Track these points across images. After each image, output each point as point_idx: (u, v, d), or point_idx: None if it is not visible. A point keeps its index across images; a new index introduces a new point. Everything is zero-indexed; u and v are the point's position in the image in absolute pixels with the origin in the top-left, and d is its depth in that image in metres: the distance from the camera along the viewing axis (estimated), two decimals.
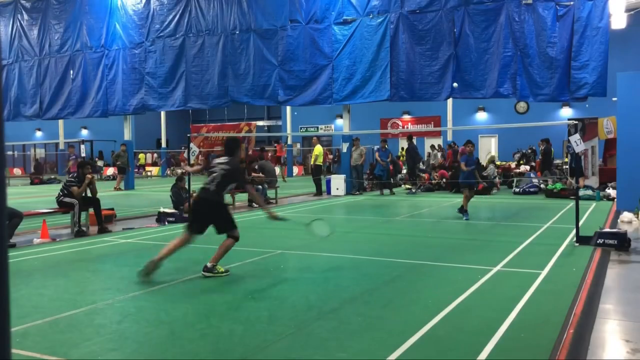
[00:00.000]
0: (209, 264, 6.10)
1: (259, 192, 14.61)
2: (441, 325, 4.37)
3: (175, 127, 40.15)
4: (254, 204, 14.43)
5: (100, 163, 33.43)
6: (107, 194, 18.95)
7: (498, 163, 21.88)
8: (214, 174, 6.20)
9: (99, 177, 29.78)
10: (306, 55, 18.08)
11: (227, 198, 14.94)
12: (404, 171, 19.30)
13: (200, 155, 33.00)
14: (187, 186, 12.21)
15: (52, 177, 29.11)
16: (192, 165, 11.22)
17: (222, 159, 6.34)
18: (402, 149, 19.40)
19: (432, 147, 26.58)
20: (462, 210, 11.36)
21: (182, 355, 3.84)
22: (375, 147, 22.42)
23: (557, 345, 3.89)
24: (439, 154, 24.74)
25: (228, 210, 6.37)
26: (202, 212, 6.18)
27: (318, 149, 18.61)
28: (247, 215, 12.53)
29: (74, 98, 22.37)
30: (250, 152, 32.04)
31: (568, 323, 4.36)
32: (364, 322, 4.49)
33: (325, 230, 6.93)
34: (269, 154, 24.22)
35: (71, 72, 22.37)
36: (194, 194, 6.51)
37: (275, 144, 33.97)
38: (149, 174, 33.87)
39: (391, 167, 19.16)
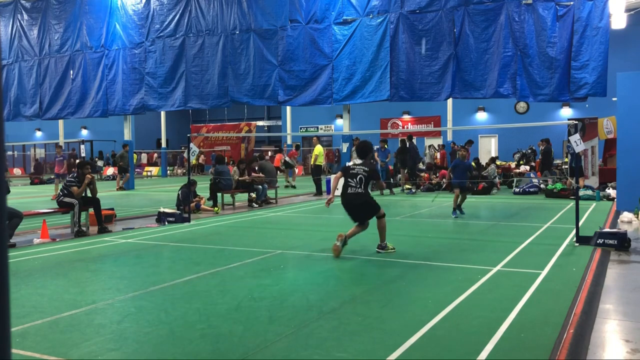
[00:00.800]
0: (381, 243, 7.48)
1: (259, 192, 14.63)
2: (441, 325, 4.37)
3: (175, 127, 40.18)
4: (254, 204, 14.44)
5: (100, 163, 33.45)
6: (107, 194, 18.96)
7: (498, 163, 21.87)
8: (359, 176, 7.45)
9: (98, 177, 29.79)
10: (306, 55, 18.09)
11: (228, 199, 15.03)
12: (399, 176, 19.28)
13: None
14: (196, 191, 12.36)
15: (52, 177, 29.09)
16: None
17: (358, 161, 7.63)
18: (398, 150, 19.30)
19: (431, 147, 26.61)
20: (453, 209, 11.81)
21: (182, 355, 3.84)
22: (375, 148, 22.41)
23: (557, 345, 3.89)
24: (438, 154, 24.79)
25: (373, 200, 7.54)
26: (359, 209, 7.52)
27: (318, 149, 18.60)
28: (247, 215, 12.54)
29: (74, 98, 22.38)
30: (249, 150, 32.07)
31: (568, 323, 4.36)
32: (364, 322, 4.49)
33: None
34: (268, 154, 24.16)
35: (71, 72, 22.38)
36: (342, 195, 7.57)
37: (276, 149, 33.68)
38: (149, 174, 33.89)
39: (390, 167, 19.17)
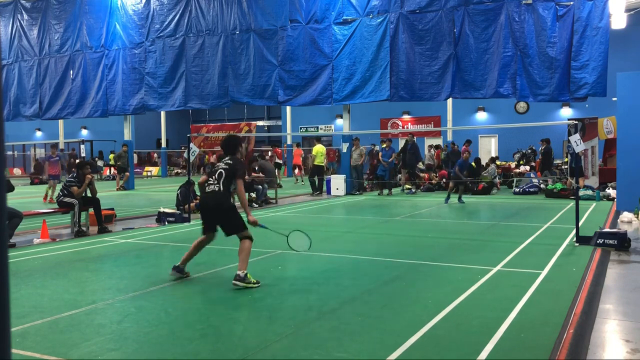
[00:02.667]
0: (240, 273, 5.69)
1: (259, 192, 14.63)
2: (441, 325, 4.37)
3: (175, 127, 40.16)
4: (254, 203, 14.43)
5: (100, 163, 33.44)
6: (107, 194, 18.95)
7: (498, 163, 21.87)
8: (219, 171, 5.99)
9: (98, 177, 29.77)
10: (306, 55, 18.09)
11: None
12: (399, 176, 19.30)
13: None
14: (195, 191, 12.29)
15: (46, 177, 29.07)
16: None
17: (226, 158, 6.17)
18: (400, 150, 19.33)
19: (431, 147, 26.61)
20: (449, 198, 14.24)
21: (182, 355, 3.84)
22: (377, 148, 22.40)
23: (557, 345, 3.89)
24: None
25: (234, 208, 5.99)
26: (214, 214, 5.95)
27: (316, 149, 18.59)
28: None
29: (73, 98, 22.39)
30: (250, 149, 32.01)
31: (568, 323, 4.36)
32: (364, 322, 4.49)
33: (304, 244, 6.25)
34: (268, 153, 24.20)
35: (71, 72, 22.39)
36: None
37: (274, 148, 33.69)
38: (149, 174, 33.88)
39: (397, 161, 19.11)
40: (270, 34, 18.59)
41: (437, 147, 24.62)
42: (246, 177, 14.41)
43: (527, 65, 15.33)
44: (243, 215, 6.04)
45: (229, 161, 6.02)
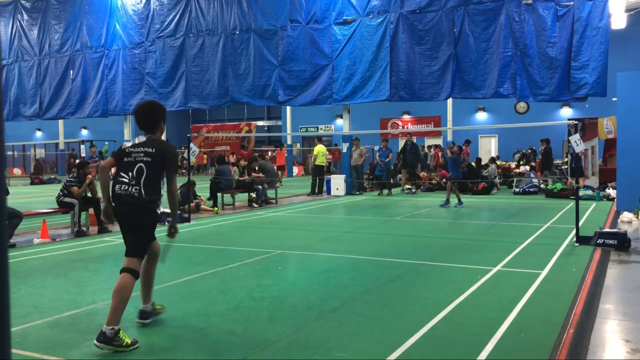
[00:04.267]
0: (145, 306, 4.45)
1: (259, 192, 14.63)
2: (441, 325, 4.37)
3: (175, 127, 40.15)
4: (254, 203, 14.43)
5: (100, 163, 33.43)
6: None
7: (498, 163, 21.88)
8: (137, 165, 4.14)
9: (98, 177, 29.72)
10: (306, 55, 18.09)
11: (228, 199, 15.01)
12: (399, 176, 19.30)
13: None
14: (195, 191, 12.32)
15: (52, 177, 29.11)
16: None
17: (141, 138, 4.33)
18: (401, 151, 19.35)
19: (429, 147, 26.63)
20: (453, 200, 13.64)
21: (182, 355, 3.84)
22: (376, 148, 22.41)
23: (557, 345, 3.89)
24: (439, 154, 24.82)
25: (153, 217, 4.27)
26: (130, 224, 4.21)
27: (317, 149, 18.60)
28: (247, 215, 12.53)
29: (73, 98, 22.40)
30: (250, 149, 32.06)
31: (568, 323, 4.36)
32: (364, 322, 4.49)
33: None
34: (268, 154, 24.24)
35: (71, 72, 22.40)
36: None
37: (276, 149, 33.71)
38: None
39: (397, 161, 19.09)
40: (270, 34, 18.59)
41: (436, 146, 24.63)
42: (246, 177, 14.54)
43: (527, 65, 15.33)
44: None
45: (149, 148, 4.18)
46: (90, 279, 6.46)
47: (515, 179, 18.88)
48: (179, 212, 11.47)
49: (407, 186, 18.61)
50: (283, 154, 27.03)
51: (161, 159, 4.17)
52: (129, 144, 4.37)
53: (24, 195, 19.01)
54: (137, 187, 4.08)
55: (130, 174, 4.12)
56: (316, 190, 17.89)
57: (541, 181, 18.05)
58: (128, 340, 3.90)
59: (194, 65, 19.80)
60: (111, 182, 4.25)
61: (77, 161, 14.50)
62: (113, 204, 4.17)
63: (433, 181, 19.60)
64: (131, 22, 21.01)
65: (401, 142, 24.68)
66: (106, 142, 31.53)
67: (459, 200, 13.64)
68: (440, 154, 23.42)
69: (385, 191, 17.75)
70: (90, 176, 9.82)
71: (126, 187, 4.10)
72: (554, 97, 15.34)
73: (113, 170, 4.35)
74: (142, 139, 4.32)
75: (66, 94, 22.57)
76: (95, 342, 3.85)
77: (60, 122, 30.84)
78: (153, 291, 4.67)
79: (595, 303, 4.98)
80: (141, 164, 4.13)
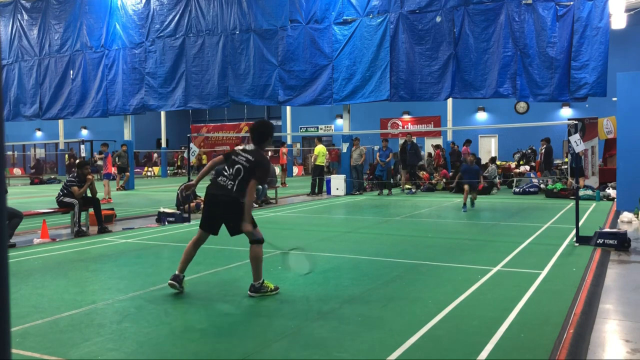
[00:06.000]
0: (256, 283, 5.25)
1: (259, 192, 14.63)
2: (441, 325, 4.37)
3: (175, 127, 40.15)
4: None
5: (100, 162, 33.42)
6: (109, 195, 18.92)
7: (498, 163, 21.88)
8: (237, 166, 5.23)
9: (98, 177, 29.74)
10: (306, 55, 18.10)
11: None
12: (399, 176, 19.29)
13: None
14: (195, 191, 12.23)
15: (52, 177, 29.11)
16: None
17: (250, 147, 5.38)
18: (399, 151, 19.35)
19: (436, 147, 26.63)
20: (463, 204, 12.96)
21: (182, 355, 3.84)
22: (376, 148, 22.42)
23: (557, 345, 3.89)
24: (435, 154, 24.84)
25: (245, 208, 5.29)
26: (223, 211, 5.29)
27: (318, 149, 18.61)
28: None
29: (74, 98, 22.39)
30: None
31: (568, 323, 4.36)
32: (364, 322, 4.49)
33: (304, 266, 5.85)
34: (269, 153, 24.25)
35: (71, 72, 22.40)
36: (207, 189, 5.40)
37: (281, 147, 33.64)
38: (149, 174, 33.88)
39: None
40: (270, 34, 18.59)
41: (437, 146, 24.64)
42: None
43: (527, 65, 15.33)
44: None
45: (251, 157, 5.23)
46: (90, 279, 6.46)
47: (515, 179, 18.88)
48: (178, 212, 11.52)
49: (407, 186, 18.62)
50: (285, 153, 27.05)
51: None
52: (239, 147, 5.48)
53: (24, 195, 19.02)
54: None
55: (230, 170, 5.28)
56: (316, 190, 17.90)
57: (541, 181, 18.05)
58: (271, 286, 5.31)
59: (194, 65, 19.80)
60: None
61: (77, 161, 14.52)
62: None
63: (433, 181, 19.60)
64: (131, 22, 21.01)
65: (401, 142, 24.69)
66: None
67: (465, 203, 12.99)
68: (441, 154, 23.42)
69: (385, 191, 17.76)
70: (90, 177, 9.83)
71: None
72: (554, 97, 15.34)
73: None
74: (249, 146, 5.41)
75: (66, 94, 22.56)
76: (249, 292, 5.21)
77: (60, 122, 30.88)
78: (151, 291, 4.64)
79: (595, 303, 4.99)
80: (239, 166, 5.26)
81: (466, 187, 12.96)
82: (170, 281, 5.36)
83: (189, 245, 5.49)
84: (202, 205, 13.65)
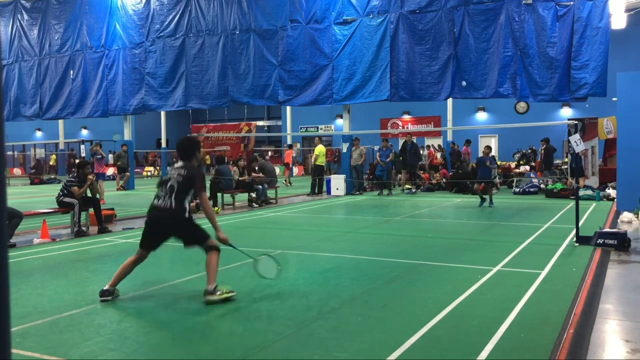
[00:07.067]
0: (209, 287, 5.13)
1: (259, 192, 14.63)
2: (441, 325, 4.37)
3: (175, 127, 40.14)
4: (254, 203, 14.43)
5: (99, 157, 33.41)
6: (107, 194, 18.93)
7: (498, 163, 21.88)
8: (169, 183, 5.25)
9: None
10: (306, 55, 18.10)
11: (228, 199, 15.00)
12: (399, 176, 19.30)
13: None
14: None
15: (52, 177, 29.11)
16: None
17: (179, 164, 5.45)
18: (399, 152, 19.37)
19: (428, 147, 26.67)
20: (482, 200, 13.76)
21: (182, 355, 3.84)
22: (376, 148, 22.42)
23: (557, 345, 3.89)
24: (439, 154, 24.87)
25: (190, 221, 5.31)
26: (163, 231, 5.30)
27: (318, 149, 18.61)
28: (247, 215, 12.54)
29: (74, 98, 22.40)
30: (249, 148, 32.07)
31: (568, 323, 4.36)
32: (364, 322, 4.49)
33: (271, 270, 5.66)
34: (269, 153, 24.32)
35: (71, 72, 22.40)
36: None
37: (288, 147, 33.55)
38: (149, 174, 33.89)
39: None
40: (270, 34, 18.59)
41: (427, 147, 24.68)
42: (246, 177, 14.52)
43: (527, 65, 15.33)
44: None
45: (182, 171, 5.29)
46: (90, 279, 6.46)
47: (515, 179, 18.88)
48: None
49: (407, 186, 18.62)
50: (290, 154, 27.28)
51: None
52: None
53: (24, 195, 19.02)
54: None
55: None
56: (316, 190, 17.90)
57: (541, 181, 18.05)
58: (226, 290, 5.18)
59: (194, 65, 19.80)
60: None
61: (77, 161, 14.51)
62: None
63: (433, 181, 19.60)
64: (131, 22, 21.01)
65: (401, 142, 24.70)
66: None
67: (482, 199, 13.76)
68: (434, 153, 23.45)
69: (385, 191, 17.76)
70: (91, 177, 9.82)
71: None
72: (554, 97, 15.34)
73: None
74: (178, 164, 5.45)
75: (66, 94, 22.56)
76: (204, 298, 5.06)
77: (60, 122, 30.85)
78: (151, 291, 4.64)
79: (595, 303, 4.98)
80: (172, 183, 5.26)
81: (475, 186, 13.97)
82: (101, 298, 5.20)
83: (128, 263, 5.36)
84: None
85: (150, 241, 5.32)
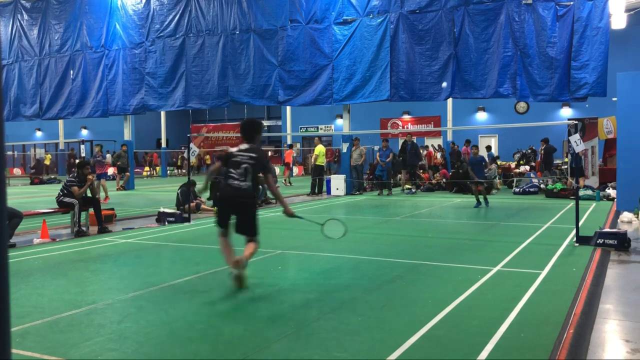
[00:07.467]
0: (243, 259, 5.45)
1: (259, 192, 14.63)
2: (441, 325, 4.37)
3: (175, 127, 40.15)
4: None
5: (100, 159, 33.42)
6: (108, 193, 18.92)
7: (498, 163, 21.89)
8: (243, 165, 5.51)
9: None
10: (306, 55, 18.09)
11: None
12: (399, 176, 19.30)
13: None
14: (195, 190, 12.28)
15: (52, 177, 29.11)
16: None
17: (244, 146, 5.68)
18: (399, 151, 19.37)
19: (425, 147, 26.70)
20: (484, 200, 13.76)
21: (182, 355, 3.84)
22: (376, 148, 22.43)
23: (557, 345, 3.89)
24: (439, 155, 24.87)
25: (255, 208, 5.72)
26: (240, 210, 5.57)
27: (318, 149, 18.61)
28: None
29: (74, 98, 22.39)
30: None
31: (568, 323, 4.36)
32: (364, 322, 4.49)
33: (339, 230, 6.18)
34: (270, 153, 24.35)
35: (71, 72, 22.40)
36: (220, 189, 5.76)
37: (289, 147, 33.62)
38: (149, 174, 33.89)
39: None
40: (270, 34, 18.59)
41: (425, 147, 24.70)
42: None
43: (527, 65, 15.33)
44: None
45: (254, 154, 5.58)
46: (90, 279, 6.46)
47: (515, 179, 18.88)
48: (178, 212, 11.51)
49: (407, 186, 18.62)
50: (290, 154, 27.36)
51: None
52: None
53: (24, 195, 19.02)
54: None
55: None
56: (316, 190, 17.90)
57: (541, 181, 18.05)
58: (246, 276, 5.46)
59: (194, 65, 19.80)
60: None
61: (77, 161, 14.52)
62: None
63: (433, 181, 19.60)
64: (131, 22, 21.01)
65: (401, 142, 24.69)
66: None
67: (479, 201, 13.71)
68: (440, 154, 23.45)
69: (385, 191, 17.76)
70: (91, 177, 9.82)
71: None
72: (554, 97, 15.33)
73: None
74: (244, 146, 5.69)
75: (66, 94, 22.56)
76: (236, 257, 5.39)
77: (60, 122, 30.86)
78: (151, 291, 4.63)
79: (595, 303, 4.98)
80: (246, 165, 5.53)
81: (473, 187, 13.86)
82: (235, 272, 5.42)
83: (222, 244, 5.67)
84: (202, 206, 13.73)
85: (225, 218, 5.59)
